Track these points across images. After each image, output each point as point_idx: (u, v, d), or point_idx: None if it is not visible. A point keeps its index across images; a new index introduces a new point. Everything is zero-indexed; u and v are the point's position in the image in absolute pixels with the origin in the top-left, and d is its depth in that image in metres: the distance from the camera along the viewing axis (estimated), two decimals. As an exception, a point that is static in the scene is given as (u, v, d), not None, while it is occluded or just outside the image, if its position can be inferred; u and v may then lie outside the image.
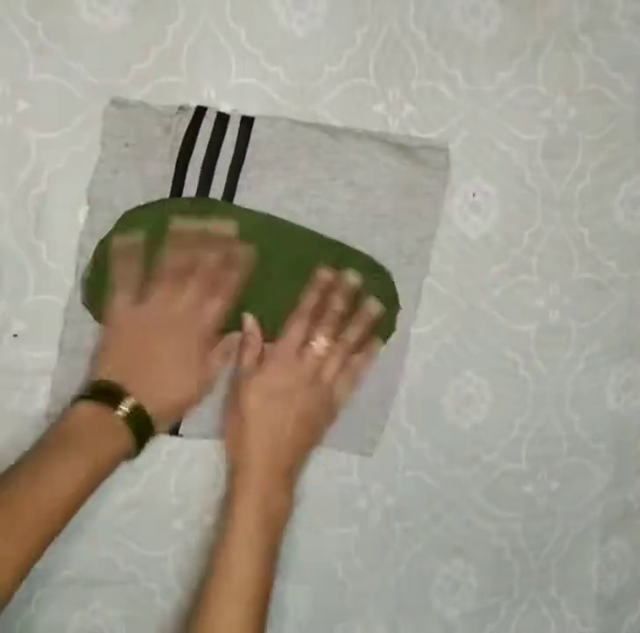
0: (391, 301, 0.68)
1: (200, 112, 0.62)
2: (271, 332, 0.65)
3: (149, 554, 0.66)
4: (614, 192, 0.74)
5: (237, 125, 0.63)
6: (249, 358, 0.63)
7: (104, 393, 0.57)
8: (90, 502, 0.63)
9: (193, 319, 0.61)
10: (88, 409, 0.57)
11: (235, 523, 0.58)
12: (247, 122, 0.63)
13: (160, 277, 0.61)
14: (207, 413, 0.65)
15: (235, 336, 0.64)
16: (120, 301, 0.61)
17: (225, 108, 0.63)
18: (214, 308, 0.62)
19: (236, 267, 0.64)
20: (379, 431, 0.70)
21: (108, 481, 0.63)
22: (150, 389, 0.59)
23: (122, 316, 0.61)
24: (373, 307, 0.66)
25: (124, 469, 0.64)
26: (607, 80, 0.73)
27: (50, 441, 0.56)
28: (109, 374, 0.58)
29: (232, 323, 0.64)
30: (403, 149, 0.67)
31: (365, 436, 0.69)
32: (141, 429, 0.58)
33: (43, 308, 0.61)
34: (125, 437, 0.57)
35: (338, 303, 0.64)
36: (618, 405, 0.77)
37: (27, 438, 0.61)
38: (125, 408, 0.57)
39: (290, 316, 0.64)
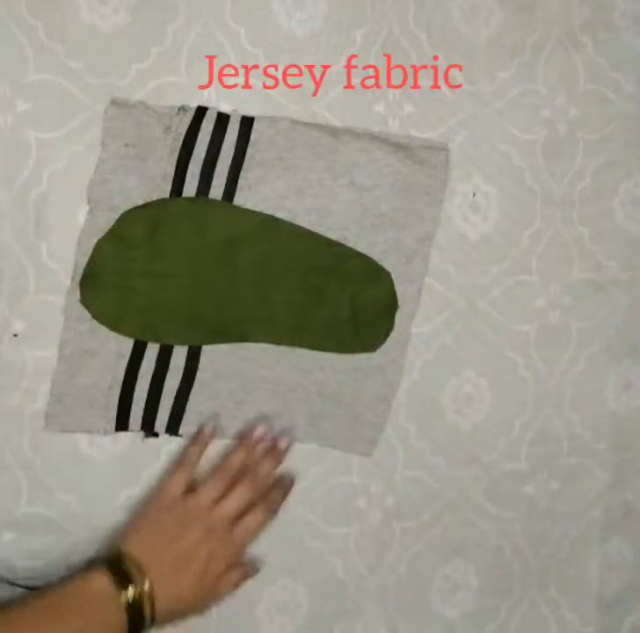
0: (390, 301, 0.68)
1: (201, 112, 0.63)
2: (270, 334, 0.65)
3: (149, 554, 0.66)
4: (613, 193, 0.75)
5: (237, 125, 0.63)
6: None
7: (122, 569, 0.56)
8: (90, 502, 0.63)
9: (228, 530, 0.61)
10: (103, 584, 0.55)
11: None
12: (247, 122, 0.63)
13: (217, 474, 0.62)
14: (207, 413, 0.65)
15: (251, 569, 0.65)
16: (178, 483, 0.62)
17: (225, 108, 0.63)
18: (253, 524, 0.62)
19: (284, 490, 0.65)
20: (379, 431, 0.70)
21: (108, 481, 0.63)
22: (168, 587, 0.58)
23: (173, 499, 0.61)
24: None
25: (124, 469, 0.64)
26: (607, 80, 0.73)
27: (61, 604, 0.55)
28: (138, 550, 0.58)
29: (234, 328, 0.64)
30: (403, 148, 0.67)
31: (365, 436, 0.69)
32: (139, 619, 0.56)
33: (43, 308, 0.61)
34: (123, 622, 0.55)
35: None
36: (618, 405, 0.77)
37: (27, 438, 0.62)
38: (134, 592, 0.56)
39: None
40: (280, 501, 0.65)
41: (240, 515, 0.62)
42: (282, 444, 0.65)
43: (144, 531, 0.60)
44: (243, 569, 0.64)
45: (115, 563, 0.57)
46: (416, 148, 0.68)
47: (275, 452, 0.65)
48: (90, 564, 0.58)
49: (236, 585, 0.63)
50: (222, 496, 0.62)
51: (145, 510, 0.62)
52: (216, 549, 0.60)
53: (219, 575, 0.61)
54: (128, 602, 0.55)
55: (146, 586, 0.56)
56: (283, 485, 0.66)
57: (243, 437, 0.65)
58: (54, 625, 0.54)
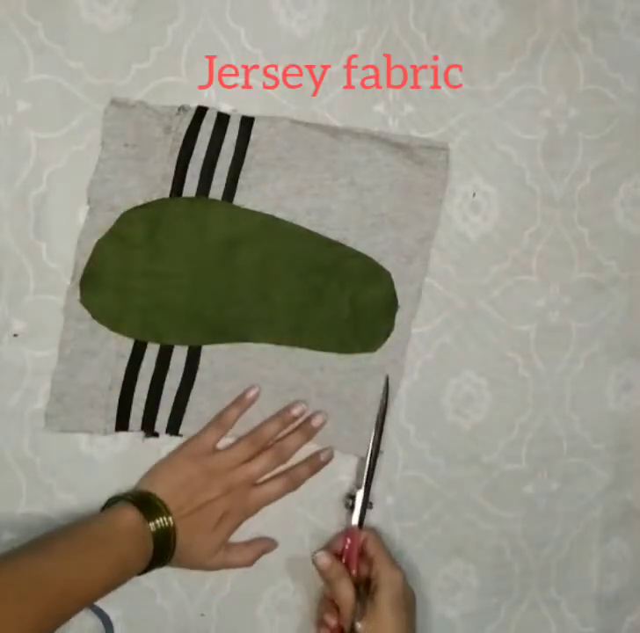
0: (390, 301, 0.68)
1: (201, 112, 0.63)
2: (270, 334, 0.65)
3: (149, 554, 0.66)
4: (613, 193, 0.75)
5: (237, 125, 0.63)
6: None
7: (149, 506, 0.60)
8: (90, 502, 0.63)
9: (245, 491, 0.64)
10: (133, 517, 0.58)
11: None
12: (247, 122, 0.63)
13: (247, 439, 0.64)
14: (207, 413, 0.65)
15: (269, 545, 0.67)
16: (210, 437, 0.64)
17: (225, 108, 0.63)
18: (270, 490, 0.64)
19: (312, 468, 0.67)
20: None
21: (108, 481, 0.63)
22: (182, 531, 0.60)
23: (202, 452, 0.63)
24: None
25: (124, 469, 0.64)
26: (607, 80, 0.73)
27: (92, 535, 0.57)
28: (163, 495, 0.61)
29: (234, 328, 0.64)
30: (403, 148, 0.67)
31: (365, 436, 0.69)
32: (163, 551, 0.60)
33: (43, 307, 0.61)
34: (149, 552, 0.59)
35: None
36: (618, 405, 0.77)
37: (27, 438, 0.62)
38: (160, 524, 0.59)
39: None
40: (305, 476, 0.66)
41: (262, 482, 0.65)
42: (315, 422, 0.67)
43: (170, 478, 0.62)
44: (263, 544, 0.66)
45: (141, 500, 0.60)
46: (416, 148, 0.68)
47: (306, 428, 0.66)
48: (112, 503, 0.61)
49: (252, 561, 0.66)
50: (248, 460, 0.64)
51: (174, 458, 0.64)
52: (231, 507, 0.63)
53: (228, 531, 0.63)
54: (155, 533, 0.59)
55: (171, 521, 0.60)
56: (312, 462, 0.67)
57: (280, 411, 0.66)
58: (90, 553, 0.56)
